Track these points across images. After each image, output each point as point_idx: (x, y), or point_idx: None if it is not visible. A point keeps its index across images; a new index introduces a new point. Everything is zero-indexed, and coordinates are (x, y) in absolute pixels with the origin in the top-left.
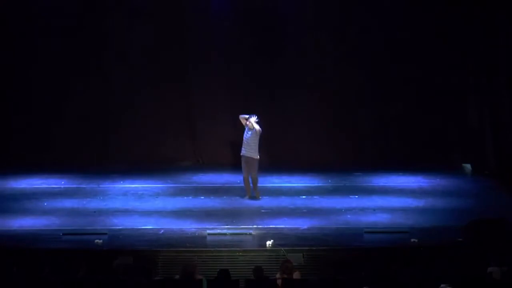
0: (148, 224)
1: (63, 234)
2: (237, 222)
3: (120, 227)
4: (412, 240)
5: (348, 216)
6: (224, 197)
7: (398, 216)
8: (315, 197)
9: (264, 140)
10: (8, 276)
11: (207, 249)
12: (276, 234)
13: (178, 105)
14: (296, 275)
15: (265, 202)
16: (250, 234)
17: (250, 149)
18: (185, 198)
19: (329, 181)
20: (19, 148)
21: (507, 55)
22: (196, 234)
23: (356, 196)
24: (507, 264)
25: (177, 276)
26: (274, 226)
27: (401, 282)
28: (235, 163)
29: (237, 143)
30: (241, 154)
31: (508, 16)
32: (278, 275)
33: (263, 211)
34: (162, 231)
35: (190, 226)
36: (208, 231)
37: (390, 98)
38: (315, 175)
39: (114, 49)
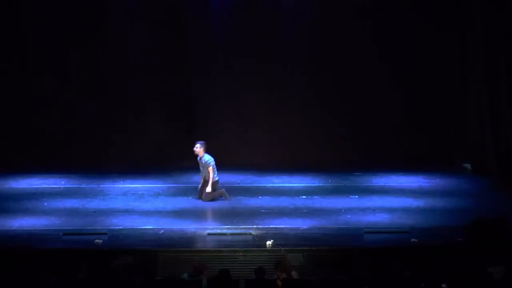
0: (148, 224)
1: (63, 234)
2: (237, 222)
3: (120, 227)
4: (412, 240)
5: (348, 216)
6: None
7: (398, 216)
8: (315, 197)
9: (265, 140)
10: (8, 276)
11: (207, 249)
12: (276, 234)
13: (178, 105)
14: (294, 274)
15: (265, 202)
16: (250, 234)
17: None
18: (185, 198)
19: (329, 181)
20: (19, 148)
21: (507, 55)
22: (196, 234)
23: (356, 196)
24: (507, 264)
25: (185, 275)
26: (274, 226)
27: (401, 282)
28: (235, 163)
29: (238, 143)
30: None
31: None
32: (277, 275)
33: (263, 211)
34: (162, 231)
35: (190, 226)
36: (208, 231)
37: (390, 98)
38: (315, 175)
39: (114, 49)
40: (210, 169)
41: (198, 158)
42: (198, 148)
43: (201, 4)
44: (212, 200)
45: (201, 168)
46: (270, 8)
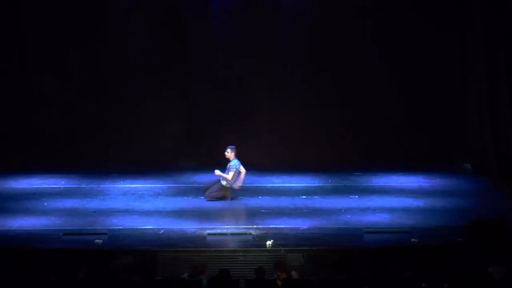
0: (148, 224)
1: (63, 234)
2: (237, 222)
3: (120, 227)
4: (412, 240)
5: (348, 216)
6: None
7: (398, 216)
8: (315, 197)
9: (265, 140)
10: (8, 276)
11: (207, 249)
12: (276, 234)
13: (178, 105)
14: (294, 274)
15: (265, 202)
16: (250, 234)
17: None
18: (185, 198)
19: (329, 181)
20: (19, 148)
21: (507, 55)
22: (196, 234)
23: (356, 196)
24: (507, 264)
25: (185, 275)
26: (274, 226)
27: (401, 282)
28: None
29: (238, 143)
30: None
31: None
32: (276, 275)
33: (263, 211)
34: (162, 231)
35: (190, 226)
36: (208, 231)
37: (390, 98)
38: (315, 175)
39: (114, 49)
40: (231, 173)
41: (228, 162)
42: (229, 153)
43: (201, 4)
44: (214, 199)
45: (226, 171)
46: (270, 8)
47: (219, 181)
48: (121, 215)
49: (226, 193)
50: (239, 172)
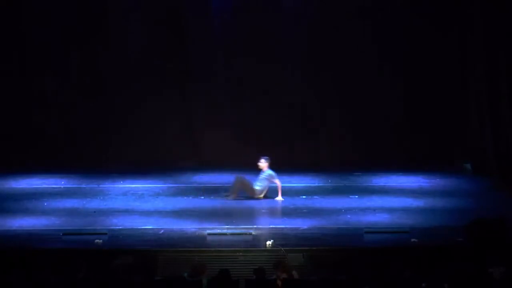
0: (148, 224)
1: (63, 234)
2: (237, 222)
3: (120, 227)
4: (412, 240)
5: (348, 216)
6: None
7: (398, 216)
8: (315, 197)
9: (265, 140)
10: (8, 276)
11: (207, 249)
12: (276, 234)
13: (178, 105)
14: (294, 274)
15: (265, 202)
16: (250, 234)
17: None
18: (185, 198)
19: (329, 181)
20: (19, 148)
21: (507, 55)
22: (196, 234)
23: (356, 196)
24: (507, 264)
25: (185, 274)
26: (274, 226)
27: (401, 282)
28: (235, 163)
29: (238, 143)
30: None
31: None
32: (276, 275)
33: (263, 211)
34: (162, 231)
35: (190, 226)
36: (208, 231)
37: (390, 98)
38: (315, 175)
39: (114, 49)
40: (277, 180)
41: (262, 172)
42: (263, 163)
43: (201, 4)
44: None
45: (258, 179)
46: (270, 8)
47: (253, 184)
48: (121, 215)
49: (252, 192)
50: (270, 181)
